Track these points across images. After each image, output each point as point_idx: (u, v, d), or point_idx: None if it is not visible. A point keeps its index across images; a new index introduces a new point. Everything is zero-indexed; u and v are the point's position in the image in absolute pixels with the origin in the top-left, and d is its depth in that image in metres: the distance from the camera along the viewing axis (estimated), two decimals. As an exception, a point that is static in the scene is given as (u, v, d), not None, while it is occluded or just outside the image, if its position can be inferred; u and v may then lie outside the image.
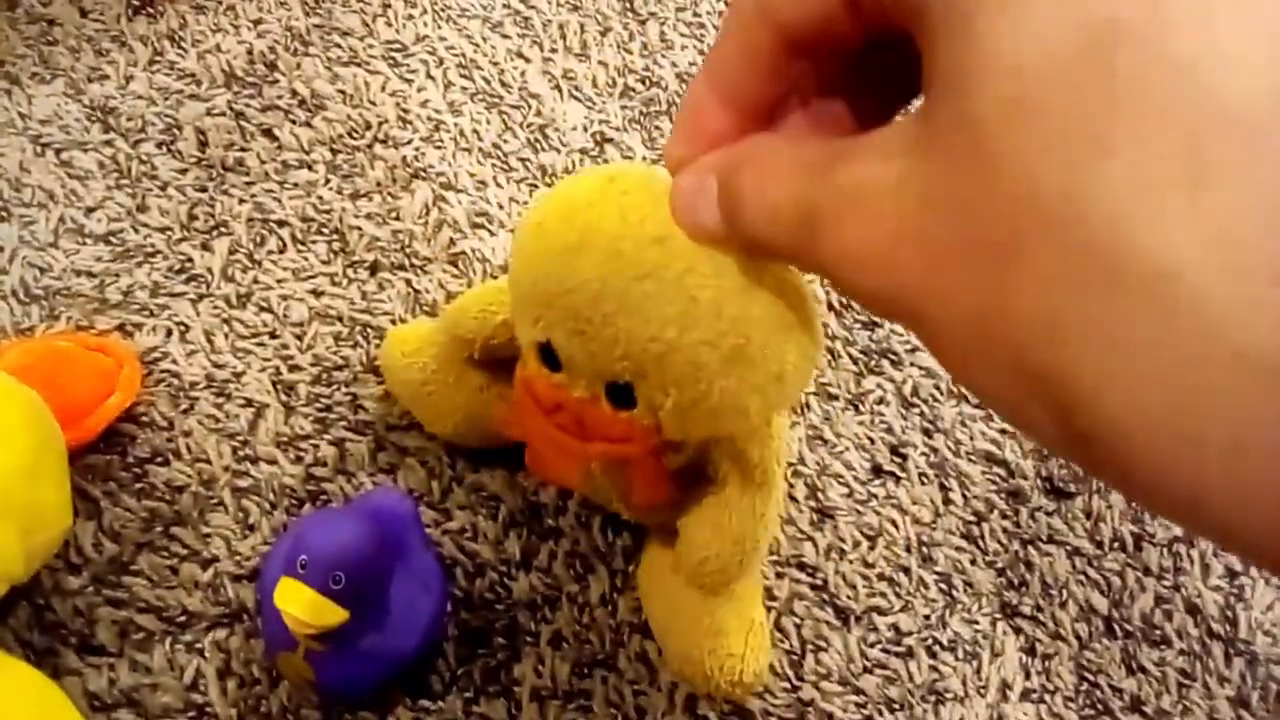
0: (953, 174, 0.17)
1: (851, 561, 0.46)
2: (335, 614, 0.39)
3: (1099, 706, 0.44)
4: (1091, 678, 0.45)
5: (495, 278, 0.53)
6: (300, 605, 0.38)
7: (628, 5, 0.62)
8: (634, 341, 0.31)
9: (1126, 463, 0.16)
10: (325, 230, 0.54)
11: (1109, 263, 0.15)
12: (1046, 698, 0.44)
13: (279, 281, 0.53)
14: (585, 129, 0.58)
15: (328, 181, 0.56)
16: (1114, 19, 0.15)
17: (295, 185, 0.56)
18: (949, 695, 0.44)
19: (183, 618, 0.45)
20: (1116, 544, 0.47)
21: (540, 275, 0.33)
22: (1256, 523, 0.15)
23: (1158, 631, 0.46)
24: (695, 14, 0.62)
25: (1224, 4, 0.15)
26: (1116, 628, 0.46)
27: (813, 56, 0.23)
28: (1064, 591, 0.46)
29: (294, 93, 0.58)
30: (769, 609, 0.45)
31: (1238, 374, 0.14)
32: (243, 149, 0.57)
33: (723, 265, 0.29)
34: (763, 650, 0.41)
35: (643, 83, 0.60)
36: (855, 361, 0.52)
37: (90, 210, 0.55)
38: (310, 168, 0.56)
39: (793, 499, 0.48)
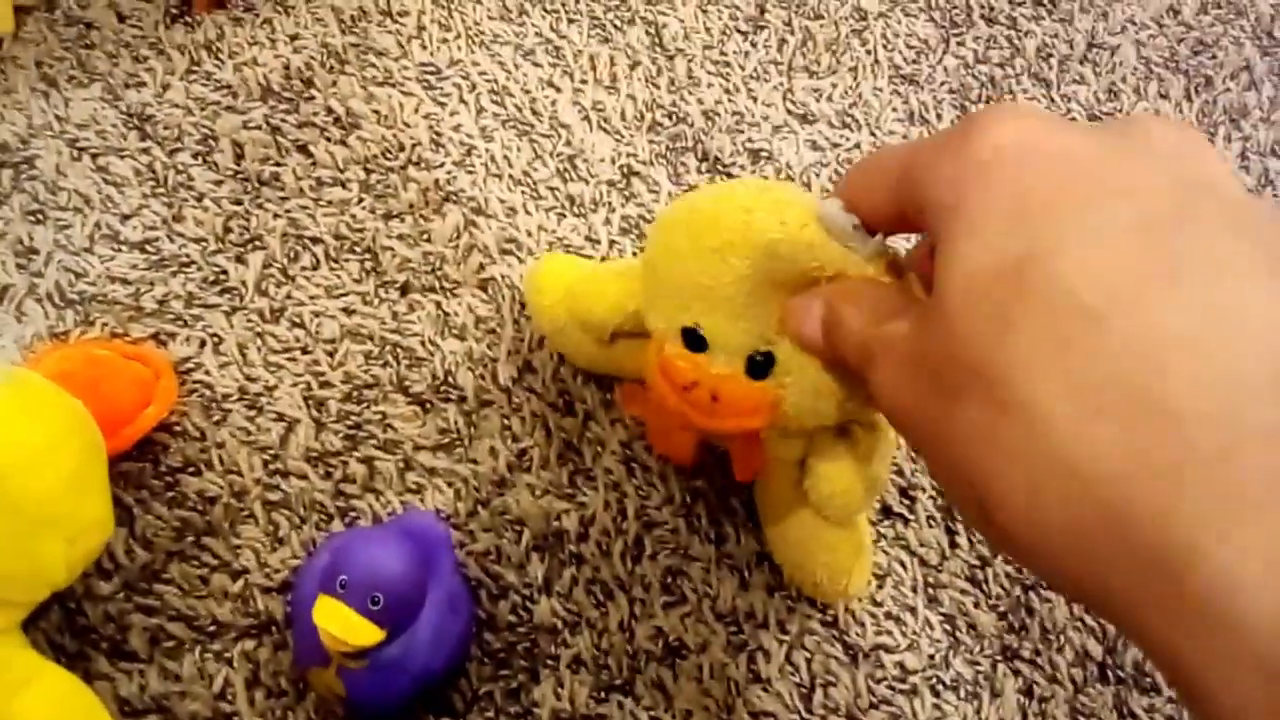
0: (931, 344, 0.26)
1: (861, 600, 0.48)
2: (372, 634, 0.40)
3: (1093, 749, 0.46)
4: (1086, 722, 0.47)
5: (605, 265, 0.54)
6: (339, 624, 0.40)
7: (656, 41, 0.64)
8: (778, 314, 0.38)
9: (1014, 539, 0.23)
10: (358, 249, 0.56)
11: (1006, 402, 0.22)
12: (1043, 739, 0.46)
13: (311, 298, 0.54)
14: (613, 161, 0.59)
15: (361, 200, 0.57)
16: (1029, 250, 0.23)
17: (329, 203, 0.57)
18: (951, 734, 0.46)
19: (212, 627, 0.46)
20: (1113, 593, 0.49)
21: (695, 270, 0.38)
22: (1074, 565, 0.22)
23: (1148, 679, 0.48)
24: (721, 53, 0.64)
25: (1092, 241, 0.23)
26: (1110, 674, 0.48)
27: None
28: (1061, 637, 0.48)
29: (329, 110, 0.60)
30: (781, 642, 0.47)
31: (1069, 478, 0.21)
32: (278, 164, 0.58)
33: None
34: (865, 568, 0.47)
35: (669, 118, 0.61)
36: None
37: (126, 217, 0.56)
38: (344, 186, 0.57)
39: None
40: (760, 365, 0.38)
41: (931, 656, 0.47)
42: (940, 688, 0.47)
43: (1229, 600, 0.19)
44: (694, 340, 0.39)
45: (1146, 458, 0.20)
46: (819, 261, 0.35)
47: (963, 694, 0.47)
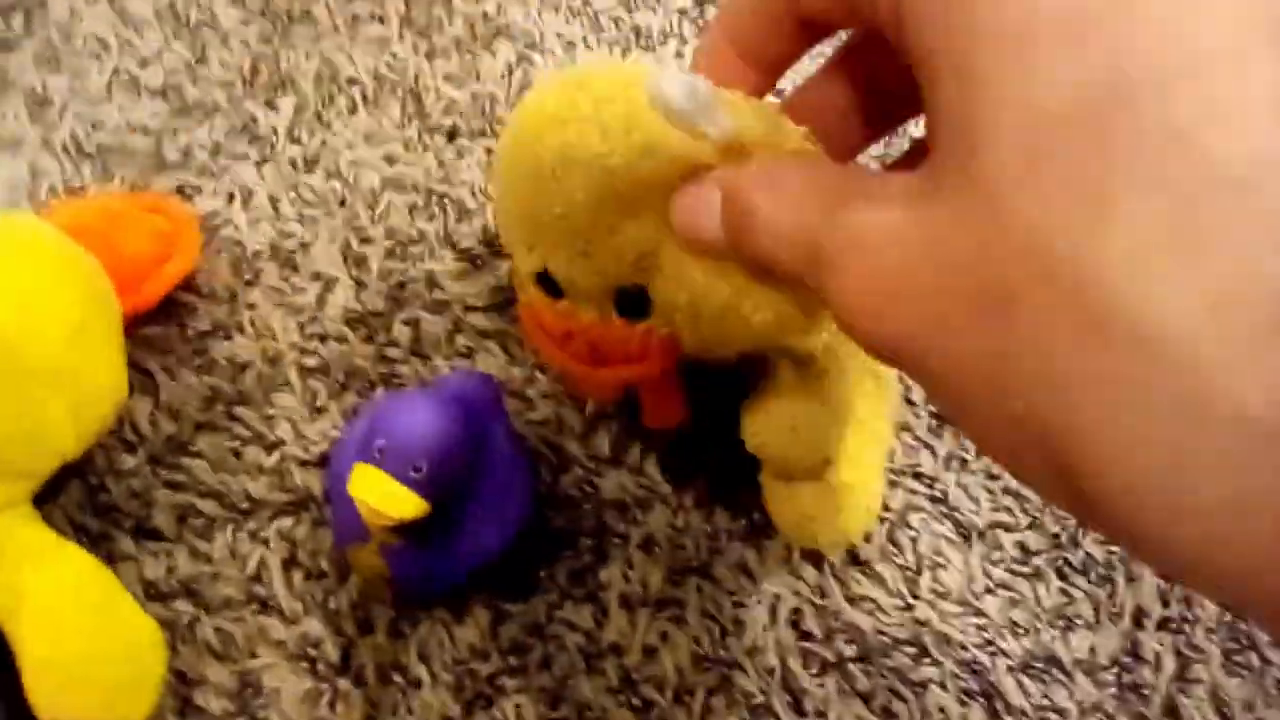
0: (957, 227, 0.17)
1: (974, 473, 0.42)
2: (414, 505, 0.35)
3: (1242, 640, 0.40)
4: (1235, 608, 0.41)
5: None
6: (377, 494, 0.35)
7: None
8: (643, 240, 0.29)
9: (1127, 522, 0.16)
10: (399, 91, 0.50)
11: (1107, 323, 0.15)
12: (1185, 628, 0.40)
13: (349, 145, 0.48)
14: (680, -11, 0.53)
15: (402, 37, 0.51)
16: (1114, 81, 0.15)
17: (367, 40, 0.51)
18: (1079, 621, 0.40)
19: (246, 504, 0.42)
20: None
21: (525, 201, 0.30)
22: (1258, 583, 0.15)
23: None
24: None
25: (1219, 65, 0.15)
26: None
27: (822, 32, 0.24)
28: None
29: (366, -61, 0.53)
30: (883, 520, 0.41)
31: (1235, 436, 0.14)
32: (310, -1, 0.52)
33: None
34: (846, 515, 0.38)
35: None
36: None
37: (146, 62, 0.50)
38: (383, 21, 0.51)
39: (909, 401, 0.44)
40: (633, 302, 0.31)
41: (1056, 536, 0.41)
42: (1068, 570, 0.41)
43: None
44: (549, 285, 0.32)
45: None
46: (668, 164, 0.27)
47: (1094, 578, 0.41)
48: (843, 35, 0.27)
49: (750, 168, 0.25)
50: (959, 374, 0.18)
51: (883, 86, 0.27)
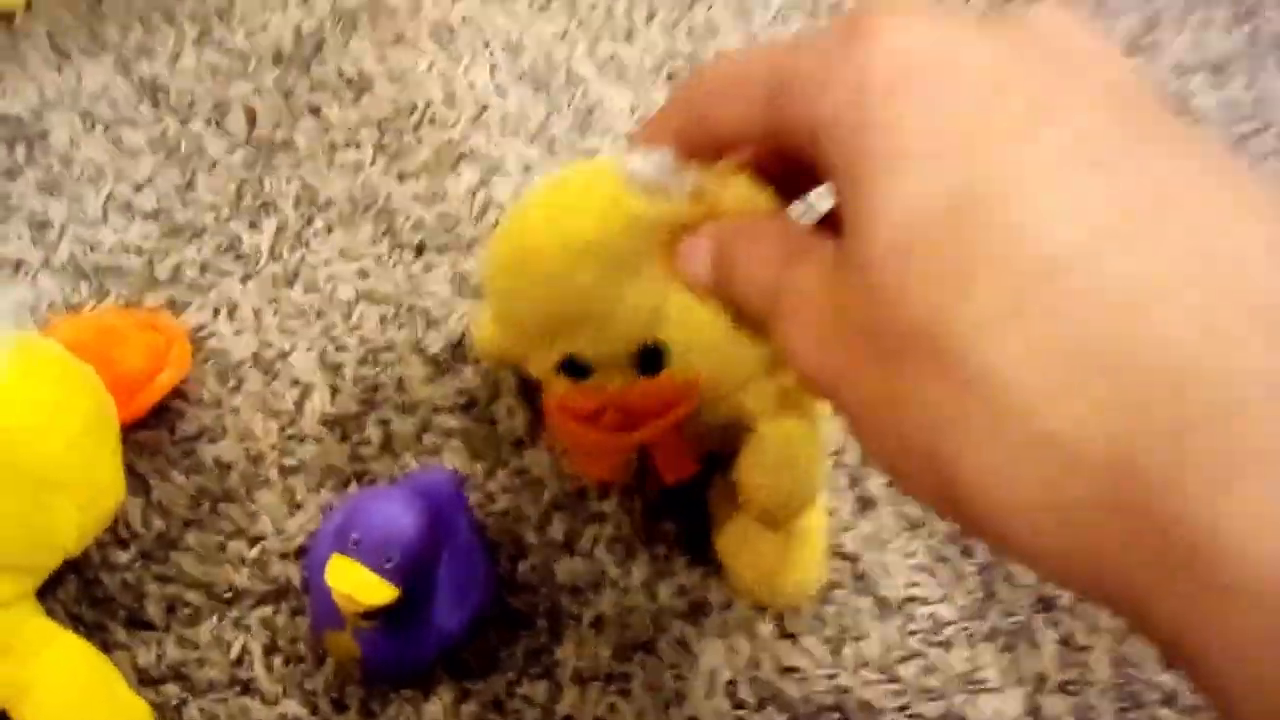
0: (855, 297, 0.22)
1: (893, 551, 0.47)
2: (386, 593, 0.39)
3: (1133, 700, 0.44)
4: (1127, 671, 0.45)
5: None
6: (352, 583, 0.39)
7: (674, -12, 0.62)
8: (648, 295, 0.34)
9: (986, 525, 0.21)
10: (371, 211, 0.55)
11: (964, 375, 0.20)
12: (1082, 690, 0.44)
13: (326, 261, 0.53)
14: (632, 112, 0.58)
15: (374, 162, 0.56)
16: (968, 190, 0.20)
17: (342, 165, 0.56)
18: (986, 685, 0.44)
19: (229, 594, 0.45)
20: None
21: (540, 303, 0.35)
22: (1066, 565, 0.20)
23: (1196, 628, 0.46)
24: (742, 1, 0.62)
25: (1044, 179, 0.20)
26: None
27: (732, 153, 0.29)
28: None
29: (341, 72, 0.59)
30: (808, 597, 0.45)
31: (1049, 454, 0.19)
32: (291, 128, 0.57)
33: None
34: (800, 571, 0.43)
35: (689, 68, 0.60)
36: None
37: (139, 187, 0.55)
38: (357, 148, 0.56)
39: (834, 489, 0.48)
40: (651, 358, 0.36)
41: (965, 607, 0.46)
42: (975, 639, 0.45)
43: (1241, 567, 0.17)
44: (576, 370, 0.37)
45: (1139, 424, 0.18)
46: (653, 229, 0.31)
47: (999, 645, 0.45)
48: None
49: (734, 224, 0.29)
50: (867, 411, 0.23)
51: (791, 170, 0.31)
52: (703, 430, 0.40)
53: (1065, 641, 0.45)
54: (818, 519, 0.44)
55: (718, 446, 0.42)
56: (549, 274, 0.34)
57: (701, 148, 0.29)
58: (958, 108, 0.21)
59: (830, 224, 0.28)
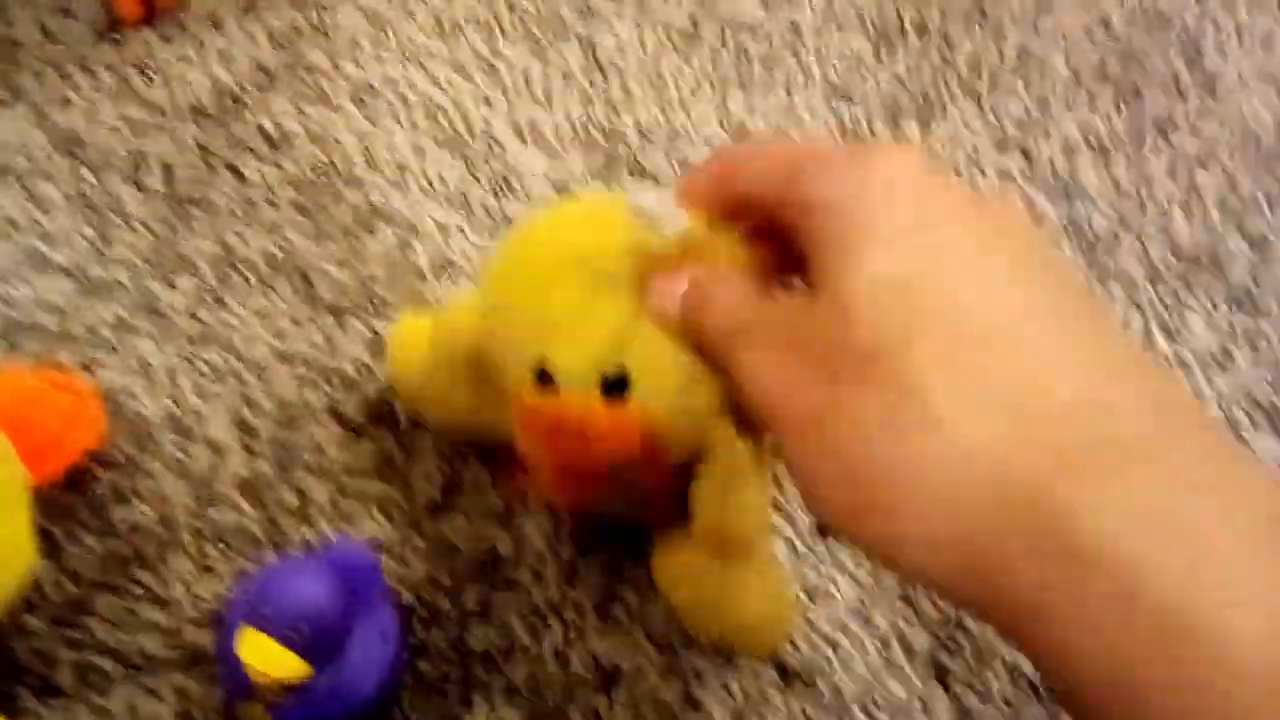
0: (824, 329, 0.26)
1: (795, 620, 0.48)
2: (296, 667, 0.40)
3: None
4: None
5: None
6: (262, 657, 0.40)
7: (591, 58, 0.64)
8: (621, 320, 0.37)
9: (887, 522, 0.24)
10: (289, 271, 0.55)
11: (905, 387, 0.24)
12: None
13: (242, 321, 0.54)
14: (548, 178, 0.59)
15: (293, 222, 0.57)
16: (929, 272, 0.26)
17: (260, 224, 0.56)
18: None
19: (141, 660, 0.46)
20: (1044, 608, 0.50)
21: (528, 304, 0.38)
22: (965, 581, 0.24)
23: (1079, 693, 0.48)
24: (656, 70, 0.64)
25: (983, 278, 0.26)
26: (1044, 693, 0.48)
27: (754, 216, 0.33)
28: (995, 657, 0.48)
29: (260, 129, 0.59)
30: (716, 665, 0.47)
31: (957, 455, 0.23)
32: (208, 185, 0.57)
33: None
34: (789, 599, 0.47)
35: (604, 135, 0.61)
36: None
37: (55, 242, 0.55)
38: (275, 207, 0.57)
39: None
40: (615, 384, 0.38)
41: (864, 678, 0.48)
42: (873, 708, 0.47)
43: (1096, 540, 0.22)
44: (544, 378, 0.39)
45: (1029, 439, 0.23)
46: (641, 259, 0.34)
47: (896, 715, 0.47)
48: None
49: (711, 269, 0.33)
50: (807, 425, 0.26)
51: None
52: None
53: (961, 712, 0.47)
54: (765, 552, 0.47)
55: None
56: (541, 277, 0.37)
57: (724, 200, 0.33)
58: (934, 214, 0.27)
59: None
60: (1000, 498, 0.23)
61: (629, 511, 0.47)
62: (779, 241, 0.35)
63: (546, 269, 0.37)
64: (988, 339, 0.25)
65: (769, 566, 0.47)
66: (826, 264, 0.27)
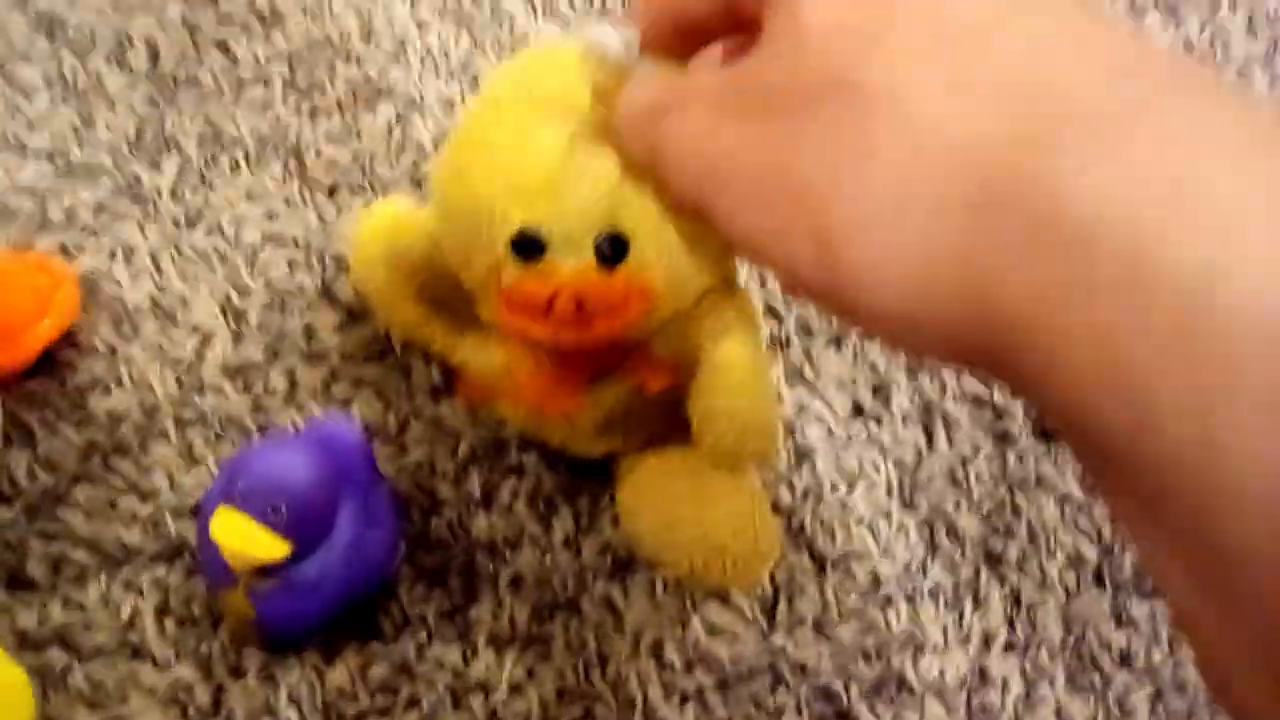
0: (775, 68, 0.23)
1: (829, 505, 0.44)
2: (273, 546, 0.36)
3: (1086, 660, 0.42)
4: (1079, 630, 0.42)
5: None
6: (236, 536, 0.36)
7: (608, -78, 0.59)
8: (607, 181, 0.32)
9: (856, 274, 0.21)
10: (281, 150, 0.51)
11: (872, 110, 0.21)
12: (1031, 650, 0.42)
13: (230, 203, 0.50)
14: (560, 50, 0.55)
15: (285, 99, 0.53)
16: None
17: (250, 102, 0.52)
18: (929, 646, 0.42)
19: (120, 553, 0.42)
20: (1108, 491, 0.45)
21: (499, 167, 0.33)
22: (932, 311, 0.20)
23: (1148, 582, 0.43)
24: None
25: None
26: (1106, 578, 0.43)
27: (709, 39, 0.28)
28: (1052, 540, 0.44)
29: (251, 4, 0.55)
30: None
31: (941, 159, 0.20)
32: (196, 64, 0.53)
33: None
34: (771, 527, 0.41)
35: (621, 2, 0.56)
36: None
37: (33, 125, 0.52)
38: (266, 85, 0.53)
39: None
40: (612, 247, 0.34)
41: (907, 564, 0.43)
42: (917, 597, 0.42)
43: (1094, 228, 0.18)
44: (529, 248, 0.34)
45: (1027, 129, 0.19)
46: (608, 99, 0.30)
47: (943, 603, 0.42)
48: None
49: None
50: (755, 182, 0.23)
51: None
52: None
53: (1014, 599, 0.43)
54: (746, 479, 0.41)
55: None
56: (514, 128, 0.32)
57: (677, 33, 0.29)
58: None
59: None
60: (989, 192, 0.19)
61: (593, 437, 0.42)
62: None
63: (519, 118, 0.32)
64: (977, 26, 0.21)
65: (746, 492, 0.41)
66: (773, 18, 0.23)
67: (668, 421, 0.40)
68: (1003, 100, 0.20)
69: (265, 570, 0.37)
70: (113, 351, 0.46)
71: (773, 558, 0.42)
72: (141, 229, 0.49)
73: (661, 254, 0.34)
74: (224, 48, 0.54)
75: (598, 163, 0.31)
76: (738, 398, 0.37)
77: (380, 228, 0.42)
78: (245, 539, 0.36)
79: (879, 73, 0.21)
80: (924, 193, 0.20)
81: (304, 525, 0.37)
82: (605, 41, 0.28)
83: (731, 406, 0.37)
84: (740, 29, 0.29)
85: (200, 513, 0.42)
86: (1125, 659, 0.42)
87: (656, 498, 0.40)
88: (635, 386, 0.40)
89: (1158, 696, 0.41)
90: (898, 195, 0.20)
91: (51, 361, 0.46)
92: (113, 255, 0.48)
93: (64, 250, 0.48)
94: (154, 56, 0.54)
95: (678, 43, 0.29)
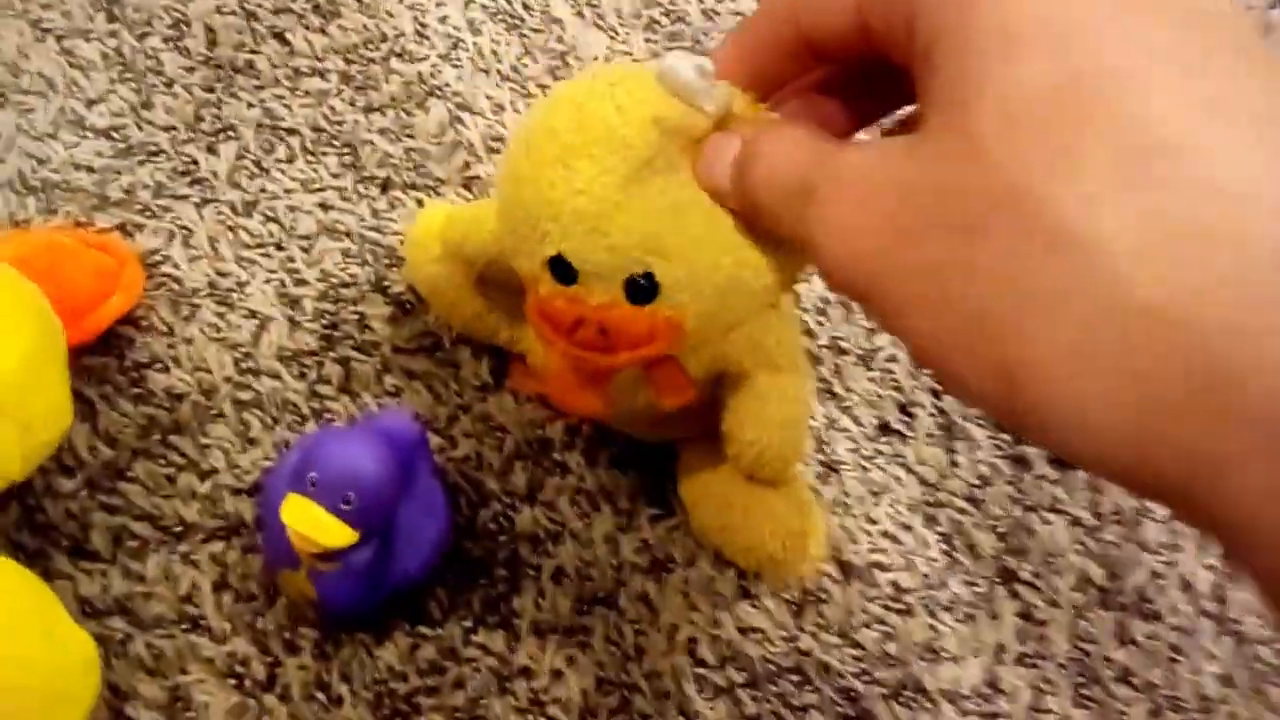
0: (939, 164, 0.22)
1: (855, 516, 0.46)
2: (343, 534, 0.38)
3: (1090, 675, 0.45)
4: (1084, 646, 0.45)
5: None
6: (308, 523, 0.38)
7: (655, -65, 0.61)
8: (649, 219, 0.32)
9: (1044, 406, 0.20)
10: (336, 142, 0.53)
11: (1060, 242, 0.20)
12: (1040, 663, 0.45)
13: (287, 191, 0.51)
14: (607, 59, 0.57)
15: (340, 92, 0.54)
16: (1078, 74, 0.20)
17: (307, 93, 0.54)
18: (945, 654, 0.44)
19: (179, 528, 0.44)
20: (1116, 517, 0.48)
21: (545, 186, 0.33)
22: (1132, 455, 0.20)
23: (1150, 605, 0.46)
24: (723, -50, 0.61)
25: (1159, 68, 0.20)
26: (1111, 599, 0.46)
27: (823, 60, 0.29)
28: (1062, 560, 0.46)
29: (309, -4, 0.57)
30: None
31: (1137, 321, 0.19)
32: (253, 51, 0.55)
33: None
34: (819, 526, 0.44)
35: (667, 16, 0.58)
36: (868, 317, 0.51)
37: (92, 103, 0.53)
38: (323, 76, 0.54)
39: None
40: (642, 290, 0.33)
41: (927, 576, 0.46)
42: (936, 608, 0.45)
43: None
44: (563, 271, 0.34)
45: (1237, 299, 0.18)
46: (673, 135, 0.30)
47: (959, 615, 0.45)
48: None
49: (765, 126, 0.29)
50: (920, 287, 0.22)
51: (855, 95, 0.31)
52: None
53: (1025, 615, 0.45)
54: (796, 479, 0.44)
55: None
56: (558, 154, 0.32)
57: (791, 47, 0.28)
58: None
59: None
60: (1194, 380, 0.18)
61: (645, 428, 0.44)
62: (850, 99, 0.31)
63: (567, 140, 0.32)
64: (1169, 149, 0.19)
65: (799, 493, 0.44)
66: (941, 85, 0.22)
67: (717, 415, 0.42)
68: (1198, 248, 0.18)
69: (329, 556, 0.39)
70: (171, 331, 0.48)
71: (820, 561, 0.45)
72: (199, 212, 0.50)
73: (695, 297, 0.34)
74: (281, 37, 0.55)
75: (640, 203, 0.32)
76: (764, 431, 0.39)
77: (437, 227, 0.44)
78: (316, 526, 0.38)
79: (1060, 199, 0.20)
80: (1115, 350, 0.19)
81: (370, 515, 0.39)
82: (674, 69, 0.29)
83: (758, 437, 0.39)
84: (816, 63, 0.29)
85: (262, 493, 0.43)
86: (1126, 675, 0.45)
87: (711, 502, 0.43)
88: (654, 397, 0.41)
89: (1156, 713, 0.44)
90: (1088, 348, 0.19)
91: (111, 338, 0.47)
92: (171, 236, 0.50)
93: (123, 229, 0.50)
94: (211, 41, 0.55)
95: (757, 78, 0.30)
